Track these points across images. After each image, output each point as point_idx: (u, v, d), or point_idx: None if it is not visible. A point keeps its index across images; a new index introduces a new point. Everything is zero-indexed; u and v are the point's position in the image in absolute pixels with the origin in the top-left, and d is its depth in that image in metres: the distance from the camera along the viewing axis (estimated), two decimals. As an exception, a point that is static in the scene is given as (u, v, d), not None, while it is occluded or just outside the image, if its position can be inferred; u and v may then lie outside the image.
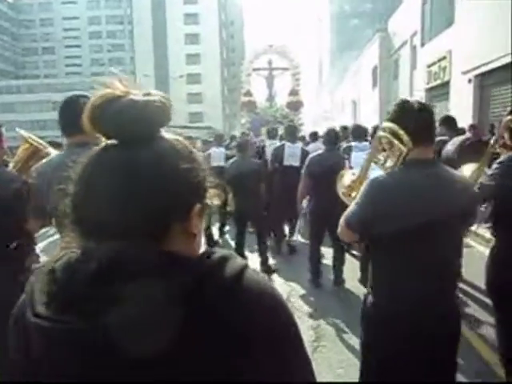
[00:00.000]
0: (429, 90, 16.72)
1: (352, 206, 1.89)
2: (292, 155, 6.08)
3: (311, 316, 4.25)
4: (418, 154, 1.78)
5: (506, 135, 2.62)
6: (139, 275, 0.61)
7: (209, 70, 62.07)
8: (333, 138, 5.07)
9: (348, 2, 64.35)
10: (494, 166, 2.51)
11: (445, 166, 1.90)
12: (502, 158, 2.54)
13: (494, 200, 2.53)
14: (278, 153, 6.22)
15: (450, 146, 4.75)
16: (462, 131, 10.45)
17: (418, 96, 17.65)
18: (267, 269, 5.55)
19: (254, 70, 20.10)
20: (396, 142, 1.81)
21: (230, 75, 69.69)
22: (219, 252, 0.68)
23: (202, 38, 62.76)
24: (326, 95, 53.27)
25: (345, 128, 7.64)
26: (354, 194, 2.21)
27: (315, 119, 61.04)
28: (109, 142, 0.72)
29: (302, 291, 4.95)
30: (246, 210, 5.56)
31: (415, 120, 1.79)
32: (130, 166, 0.67)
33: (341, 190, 2.43)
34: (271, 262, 5.86)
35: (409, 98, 1.93)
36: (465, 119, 11.77)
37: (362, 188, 1.86)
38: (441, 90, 15.34)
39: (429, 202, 1.69)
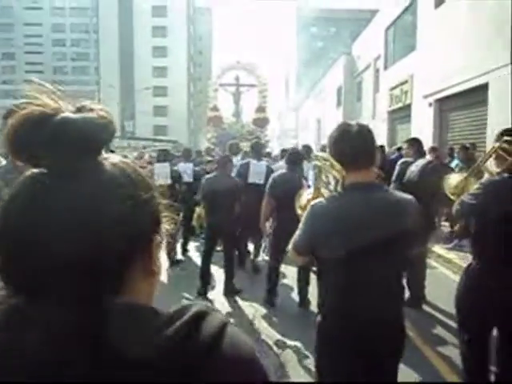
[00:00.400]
0: (391, 113, 17.23)
1: (297, 230, 1.93)
2: (257, 173, 5.98)
3: (276, 340, 4.12)
4: (356, 178, 1.83)
5: (493, 161, 2.73)
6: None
7: (175, 84, 61.75)
8: (295, 157, 5.08)
9: (314, 25, 66.08)
10: (476, 186, 2.61)
11: (388, 188, 1.99)
12: (483, 180, 2.67)
13: (474, 218, 2.63)
14: (243, 170, 6.09)
15: (414, 168, 4.82)
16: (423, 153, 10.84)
17: (381, 118, 18.19)
18: (231, 289, 5.43)
19: (221, 85, 20.15)
20: (331, 169, 1.89)
21: (197, 90, 69.63)
22: (194, 307, 0.57)
23: (170, 51, 62.51)
24: (291, 113, 54.07)
25: (308, 147, 7.64)
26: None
27: (280, 136, 61.80)
28: (35, 170, 0.57)
29: (266, 313, 4.82)
30: (218, 227, 5.42)
31: (352, 145, 1.83)
32: (74, 201, 0.54)
33: (298, 210, 2.45)
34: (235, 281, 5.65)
35: (350, 122, 1.95)
36: (425, 142, 12.15)
37: (305, 214, 1.91)
38: (403, 112, 15.83)
39: (366, 225, 1.73)
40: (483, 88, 9.56)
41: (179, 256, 7.19)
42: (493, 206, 2.41)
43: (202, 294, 5.32)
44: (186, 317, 0.55)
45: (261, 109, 19.54)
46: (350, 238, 1.73)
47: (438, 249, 7.09)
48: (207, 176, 5.76)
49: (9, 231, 0.54)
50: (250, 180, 5.95)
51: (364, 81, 22.45)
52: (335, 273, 1.84)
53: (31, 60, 75.20)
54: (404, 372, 3.34)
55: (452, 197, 3.03)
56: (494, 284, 2.42)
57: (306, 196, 2.50)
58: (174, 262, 6.74)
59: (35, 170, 0.57)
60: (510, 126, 3.04)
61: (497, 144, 2.63)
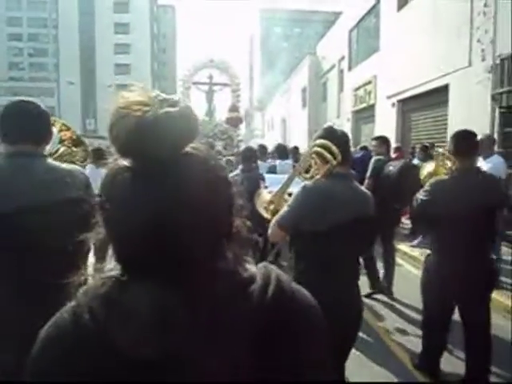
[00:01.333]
0: (355, 113, 17.62)
1: (283, 210, 2.26)
2: None
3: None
4: (339, 169, 2.22)
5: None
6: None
7: (139, 82, 60.15)
8: (249, 156, 5.22)
9: (278, 25, 66.61)
10: (429, 183, 3.03)
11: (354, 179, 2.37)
12: (433, 179, 3.09)
13: (428, 214, 3.03)
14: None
15: (392, 167, 5.00)
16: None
17: (345, 118, 18.56)
18: None
19: (195, 83, 19.94)
20: (328, 155, 2.20)
21: (161, 89, 68.46)
22: (272, 270, 0.73)
23: (133, 48, 61.41)
24: (257, 112, 54.26)
25: (263, 147, 7.78)
26: (272, 207, 2.60)
27: (246, 134, 61.77)
28: (123, 162, 0.66)
29: None
30: None
31: (339, 142, 2.22)
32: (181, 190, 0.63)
33: (261, 207, 2.72)
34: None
35: (331, 124, 2.56)
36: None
37: (295, 193, 2.23)
38: (367, 112, 16.22)
39: (346, 205, 2.12)
40: (444, 89, 9.94)
41: None
42: (439, 205, 2.84)
43: None
44: (274, 275, 0.70)
45: (234, 108, 19.50)
46: (333, 214, 2.10)
47: (403, 247, 7.32)
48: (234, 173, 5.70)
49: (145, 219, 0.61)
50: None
51: (329, 81, 22.84)
52: (315, 248, 2.13)
53: (-15, 55, 71.89)
54: (367, 363, 3.47)
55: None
56: (448, 272, 2.84)
57: (265, 194, 2.84)
58: None
59: (123, 162, 0.66)
60: (467, 127, 3.17)
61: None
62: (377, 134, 14.72)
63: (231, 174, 5.10)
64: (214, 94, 20.09)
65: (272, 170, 6.33)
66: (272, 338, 0.64)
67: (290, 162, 7.12)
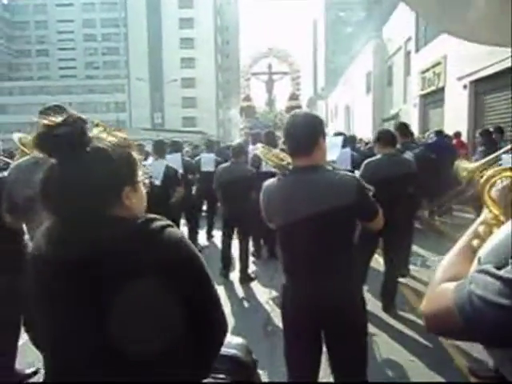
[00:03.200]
0: (423, 97, 16.55)
1: None
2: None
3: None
4: (299, 162, 2.06)
5: None
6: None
7: (203, 75, 61.86)
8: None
9: (343, 10, 64.54)
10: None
11: (330, 171, 2.13)
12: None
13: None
14: (256, 159, 6.02)
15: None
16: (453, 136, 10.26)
17: (412, 103, 17.51)
18: (246, 277, 5.51)
19: (253, 74, 19.87)
20: (267, 159, 2.34)
21: (225, 80, 69.56)
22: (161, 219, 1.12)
23: (197, 42, 62.56)
24: (320, 101, 53.15)
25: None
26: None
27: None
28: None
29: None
30: (233, 216, 5.48)
31: (285, 134, 2.11)
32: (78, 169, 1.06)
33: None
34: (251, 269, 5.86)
35: (299, 111, 2.26)
36: (460, 125, 11.58)
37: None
38: (435, 96, 15.15)
39: (303, 202, 1.96)
40: (523, 66, 8.95)
41: (205, 242, 7.61)
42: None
43: (224, 276, 5.58)
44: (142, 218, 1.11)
45: (294, 96, 19.21)
46: (288, 214, 2.01)
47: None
48: (222, 165, 5.76)
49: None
50: (264, 169, 5.86)
51: (394, 65, 21.69)
52: (281, 246, 2.17)
53: (64, 56, 76.97)
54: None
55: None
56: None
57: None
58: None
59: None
60: None
61: None
62: (447, 118, 13.73)
63: None
64: (274, 84, 19.85)
65: None
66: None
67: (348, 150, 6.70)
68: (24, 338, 2.67)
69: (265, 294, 5.05)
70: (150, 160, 5.78)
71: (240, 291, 5.24)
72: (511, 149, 2.61)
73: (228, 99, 65.04)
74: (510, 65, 9.60)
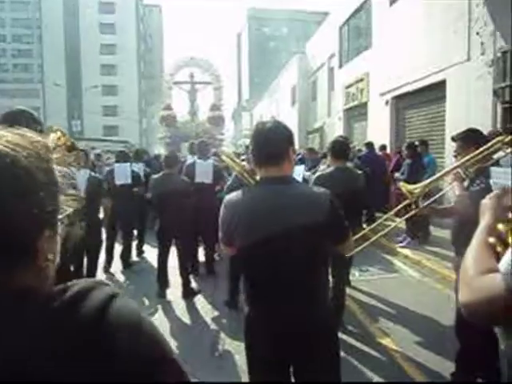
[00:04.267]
0: (347, 111, 17.26)
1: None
2: (204, 172, 5.90)
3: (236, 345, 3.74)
4: (267, 173, 1.90)
5: None
6: None
7: (125, 82, 59.92)
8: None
9: (266, 25, 66.23)
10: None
11: (300, 183, 2.06)
12: None
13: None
14: (189, 170, 5.95)
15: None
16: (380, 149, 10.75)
17: (337, 116, 18.21)
18: (189, 291, 5.24)
19: (176, 83, 19.48)
20: (234, 165, 2.17)
21: (149, 89, 67.84)
22: (80, 283, 0.64)
23: (119, 48, 60.55)
24: (246, 113, 53.73)
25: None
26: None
27: (235, 136, 61.34)
28: None
29: (226, 314, 4.66)
30: (170, 228, 5.16)
31: (259, 142, 1.93)
32: None
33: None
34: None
35: (265, 121, 2.07)
36: (382, 139, 12.17)
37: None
38: (359, 110, 15.86)
39: (269, 217, 1.78)
40: (441, 85, 9.60)
41: (134, 258, 7.14)
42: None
43: (162, 296, 5.21)
44: (70, 292, 0.61)
45: (216, 107, 19.12)
46: (255, 230, 1.79)
47: (404, 250, 7.00)
48: (155, 176, 5.49)
49: None
50: (197, 180, 5.79)
51: (318, 79, 22.48)
52: (247, 265, 1.94)
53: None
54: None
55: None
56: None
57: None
58: (128, 265, 6.65)
59: None
60: (467, 123, 3.12)
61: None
62: (370, 132, 14.41)
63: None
64: (197, 93, 19.67)
65: None
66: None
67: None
68: None
69: (209, 312, 4.78)
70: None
71: (180, 310, 4.89)
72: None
73: (151, 108, 63.43)
74: (428, 83, 10.28)
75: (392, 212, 3.89)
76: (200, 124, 18.78)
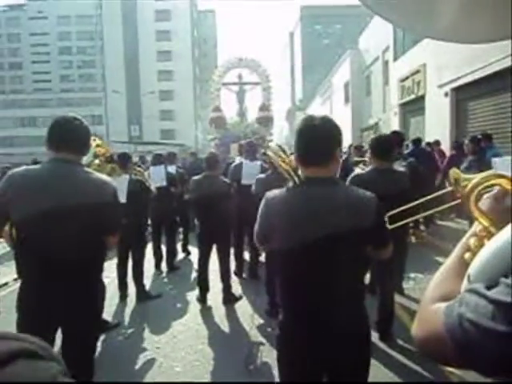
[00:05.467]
0: (403, 105, 16.42)
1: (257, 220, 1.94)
2: (250, 174, 5.59)
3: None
4: (312, 172, 1.81)
5: None
6: None
7: (181, 87, 61.45)
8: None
9: (318, 23, 65.32)
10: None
11: (346, 184, 1.96)
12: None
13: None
14: (236, 171, 5.75)
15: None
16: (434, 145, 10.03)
17: (392, 112, 17.38)
18: (230, 297, 5.06)
19: (224, 84, 19.51)
20: (280, 162, 1.99)
21: (203, 92, 69.22)
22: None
23: (175, 55, 62.20)
24: (299, 112, 53.25)
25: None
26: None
27: (287, 135, 60.98)
28: None
29: (264, 323, 4.44)
30: (210, 232, 4.98)
31: (300, 139, 1.82)
32: None
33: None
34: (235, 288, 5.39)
35: (314, 116, 1.87)
36: (442, 134, 11.38)
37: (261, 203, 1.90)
38: (415, 104, 15.01)
39: (314, 219, 1.69)
40: (506, 72, 8.75)
41: (181, 255, 7.23)
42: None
43: (202, 301, 5.07)
44: None
45: (265, 107, 18.91)
46: (296, 231, 1.72)
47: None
48: (195, 178, 5.26)
49: None
50: (244, 181, 5.54)
51: (372, 74, 21.66)
52: (286, 268, 1.83)
53: (38, 69, 75.46)
54: None
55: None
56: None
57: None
58: (172, 268, 6.62)
59: None
60: None
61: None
62: (428, 126, 13.56)
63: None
64: (245, 94, 19.56)
65: None
66: None
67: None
68: None
69: (248, 320, 4.55)
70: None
71: (219, 316, 4.71)
72: None
73: (206, 111, 64.71)
74: (491, 72, 9.44)
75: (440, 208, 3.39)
76: (249, 125, 18.67)
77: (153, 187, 5.56)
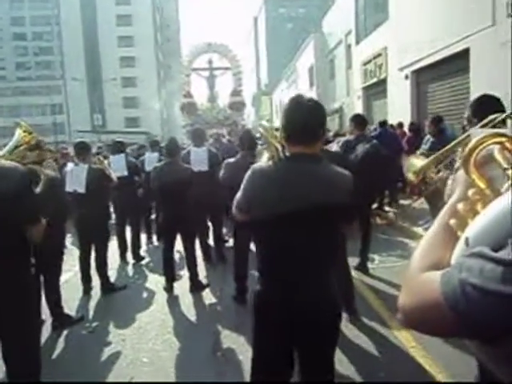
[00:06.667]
0: (366, 89, 16.62)
1: (240, 189, 1.99)
2: (199, 160, 5.66)
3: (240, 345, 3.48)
4: (298, 149, 1.85)
5: None
6: None
7: (144, 73, 60.01)
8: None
9: (283, 6, 64.91)
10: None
11: (328, 162, 1.96)
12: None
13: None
14: (185, 159, 5.65)
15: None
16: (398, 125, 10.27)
17: (356, 95, 17.58)
18: (198, 285, 5.03)
19: (194, 70, 19.21)
20: (269, 138, 1.97)
21: (168, 78, 67.83)
22: None
23: (136, 40, 60.55)
24: (265, 96, 53.00)
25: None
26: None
27: (253, 120, 60.81)
28: None
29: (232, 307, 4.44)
30: (175, 219, 4.90)
31: (288, 119, 1.86)
32: None
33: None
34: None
35: (302, 96, 1.94)
36: (403, 116, 11.60)
37: (246, 174, 1.94)
38: (378, 87, 15.22)
39: (298, 193, 1.77)
40: (464, 54, 8.97)
41: (142, 252, 6.91)
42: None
43: (168, 290, 5.00)
44: None
45: (236, 92, 18.81)
46: (282, 203, 1.77)
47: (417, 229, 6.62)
48: (156, 165, 5.18)
49: None
50: (194, 168, 5.43)
51: (336, 58, 21.78)
52: (264, 238, 1.93)
53: (-9, 56, 71.85)
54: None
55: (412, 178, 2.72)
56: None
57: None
58: (139, 258, 6.55)
59: None
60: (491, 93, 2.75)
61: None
62: (390, 109, 13.79)
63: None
64: (216, 80, 19.34)
65: None
66: None
67: None
68: None
69: (216, 307, 4.55)
70: (70, 165, 5.06)
71: (186, 305, 4.67)
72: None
73: (172, 97, 63.58)
74: (449, 54, 9.65)
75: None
76: (221, 110, 18.50)
77: (114, 177, 5.39)
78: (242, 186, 1.97)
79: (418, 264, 0.75)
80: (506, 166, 0.74)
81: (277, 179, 1.84)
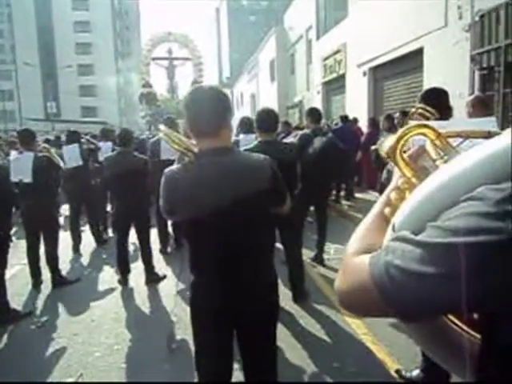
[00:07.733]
0: (326, 84, 16.84)
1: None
2: (169, 149, 5.44)
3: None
4: (207, 144, 1.80)
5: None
6: None
7: (102, 61, 58.08)
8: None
9: (245, -2, 64.61)
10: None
11: (240, 152, 2.01)
12: None
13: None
14: (154, 148, 5.64)
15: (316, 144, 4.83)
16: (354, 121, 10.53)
17: (315, 90, 17.79)
18: (153, 277, 4.97)
19: (153, 59, 18.76)
20: (172, 144, 1.88)
21: (126, 67, 66.03)
22: None
23: (93, 26, 58.44)
24: (226, 89, 52.74)
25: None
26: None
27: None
28: None
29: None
30: (129, 211, 4.77)
31: (189, 112, 1.80)
32: None
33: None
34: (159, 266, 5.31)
35: (202, 86, 1.95)
36: (361, 112, 11.86)
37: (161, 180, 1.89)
38: (337, 83, 15.45)
39: (214, 189, 1.74)
40: (418, 53, 9.25)
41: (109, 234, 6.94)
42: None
43: (123, 283, 4.89)
44: None
45: (197, 83, 18.49)
46: (198, 202, 1.75)
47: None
48: (107, 155, 5.05)
49: None
50: (163, 157, 5.39)
51: (297, 53, 21.91)
52: (190, 238, 1.92)
53: None
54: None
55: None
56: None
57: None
58: (100, 242, 6.61)
59: None
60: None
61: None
62: (348, 105, 14.06)
63: None
64: (176, 70, 19.00)
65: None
66: None
67: (253, 136, 6.51)
68: None
69: (172, 299, 4.48)
70: (14, 153, 4.84)
71: (141, 298, 4.59)
72: None
73: (130, 87, 61.92)
74: (404, 52, 9.93)
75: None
76: (181, 101, 18.17)
77: (66, 167, 5.20)
78: (161, 192, 1.89)
79: (353, 248, 0.77)
80: (435, 157, 0.79)
81: (189, 181, 1.79)
